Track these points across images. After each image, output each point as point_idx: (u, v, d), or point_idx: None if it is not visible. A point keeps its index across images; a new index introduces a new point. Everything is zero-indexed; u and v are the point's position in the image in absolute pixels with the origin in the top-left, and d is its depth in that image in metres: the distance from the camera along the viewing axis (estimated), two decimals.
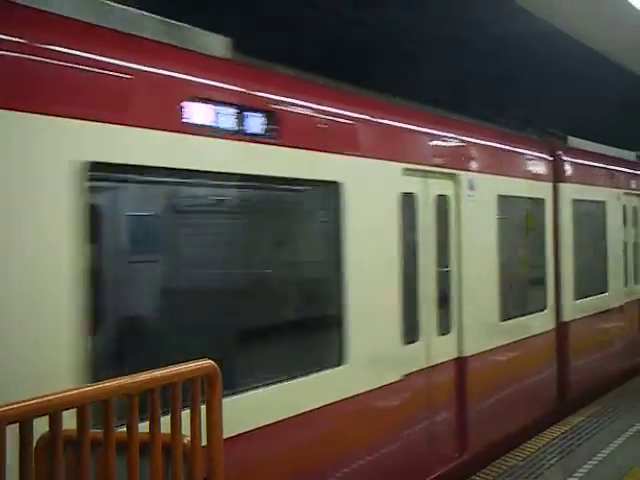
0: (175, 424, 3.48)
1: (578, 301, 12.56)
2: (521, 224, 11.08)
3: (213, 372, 3.64)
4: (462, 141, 9.45)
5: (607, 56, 13.90)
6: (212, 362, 3.64)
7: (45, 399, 2.92)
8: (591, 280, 13.55)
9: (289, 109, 6.43)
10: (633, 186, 15.69)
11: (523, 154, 11.19)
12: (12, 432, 2.81)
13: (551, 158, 11.92)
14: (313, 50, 7.60)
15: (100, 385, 3.21)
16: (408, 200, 8.14)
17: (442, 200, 8.83)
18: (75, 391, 3.13)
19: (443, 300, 8.80)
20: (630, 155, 16.47)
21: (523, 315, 10.73)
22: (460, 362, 9.02)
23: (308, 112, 6.70)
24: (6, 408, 2.78)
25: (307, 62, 6.96)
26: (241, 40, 6.10)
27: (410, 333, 8.04)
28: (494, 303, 9.86)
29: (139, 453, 3.33)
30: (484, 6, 11.27)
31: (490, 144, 10.20)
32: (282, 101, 6.35)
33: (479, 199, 9.53)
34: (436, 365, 8.50)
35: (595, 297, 13.38)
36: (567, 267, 12.25)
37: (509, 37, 12.33)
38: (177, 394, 3.48)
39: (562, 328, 12.04)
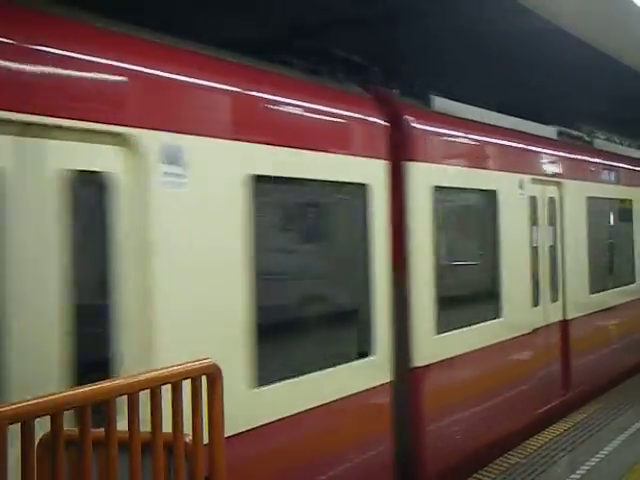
0: (177, 423, 3.46)
1: (444, 335, 8.59)
2: (312, 224, 6.97)
3: (215, 371, 3.63)
4: (147, 75, 5.32)
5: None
6: (214, 361, 3.61)
7: (46, 399, 2.91)
8: (473, 302, 9.61)
9: None
10: (548, 171, 11.66)
11: (317, 111, 7.03)
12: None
13: (387, 123, 7.83)
14: None
15: (101, 385, 3.16)
16: None
17: (87, 181, 4.76)
18: (76, 391, 3.10)
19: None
20: (549, 131, 12.46)
21: (319, 369, 6.63)
22: None
23: None
24: (7, 408, 2.76)
25: None
26: None
27: None
28: (239, 360, 5.80)
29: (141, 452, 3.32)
30: None
31: (233, 88, 6.06)
32: None
33: (200, 183, 5.48)
34: None
35: (479, 326, 9.39)
36: (422, 287, 8.25)
37: None
38: (178, 393, 3.45)
39: (411, 377, 8.05)
